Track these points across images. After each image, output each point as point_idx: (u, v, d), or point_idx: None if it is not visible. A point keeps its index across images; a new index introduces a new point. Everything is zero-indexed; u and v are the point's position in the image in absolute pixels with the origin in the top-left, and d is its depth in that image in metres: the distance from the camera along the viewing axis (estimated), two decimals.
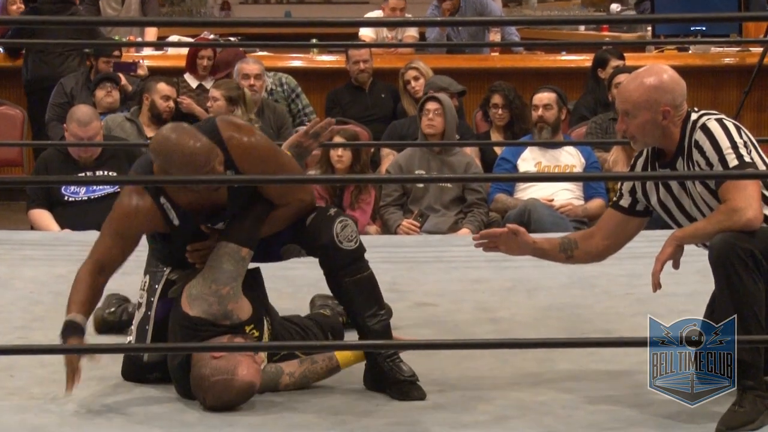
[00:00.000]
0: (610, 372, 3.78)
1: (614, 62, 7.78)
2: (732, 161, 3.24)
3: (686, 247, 3.32)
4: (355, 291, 3.54)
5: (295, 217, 3.59)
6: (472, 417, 3.39)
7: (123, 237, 3.49)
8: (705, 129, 3.31)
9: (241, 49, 8.36)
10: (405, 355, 3.62)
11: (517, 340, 4.02)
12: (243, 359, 3.41)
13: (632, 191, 3.54)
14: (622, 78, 7.29)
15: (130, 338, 3.73)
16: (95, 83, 7.56)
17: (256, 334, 3.55)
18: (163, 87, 7.08)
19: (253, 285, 3.64)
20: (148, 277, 3.75)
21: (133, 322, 3.74)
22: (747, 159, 3.24)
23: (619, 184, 3.63)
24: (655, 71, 3.38)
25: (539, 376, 3.79)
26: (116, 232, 3.50)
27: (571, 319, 4.45)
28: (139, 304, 3.72)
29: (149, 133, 6.88)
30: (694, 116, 3.37)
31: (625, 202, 3.56)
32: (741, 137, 3.29)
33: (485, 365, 3.87)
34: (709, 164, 3.28)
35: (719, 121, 3.33)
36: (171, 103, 7.10)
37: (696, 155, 3.31)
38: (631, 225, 3.57)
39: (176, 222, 3.50)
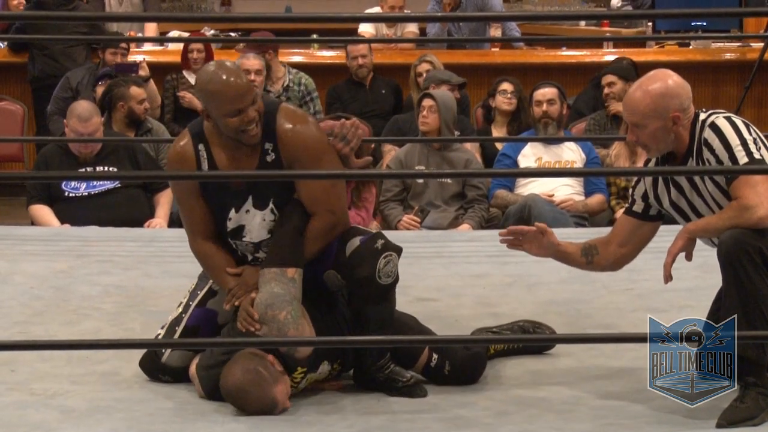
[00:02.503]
0: (610, 367, 3.78)
1: (610, 78, 7.62)
2: (742, 158, 3.22)
3: None
4: (372, 317, 3.52)
5: (329, 234, 3.53)
6: (472, 413, 3.39)
7: (188, 190, 3.54)
8: (714, 127, 3.29)
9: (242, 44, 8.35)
10: None
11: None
12: (284, 385, 3.38)
13: (644, 196, 3.52)
14: (605, 80, 7.35)
15: (160, 332, 3.70)
16: (96, 80, 7.54)
17: (297, 378, 3.47)
18: (137, 92, 6.98)
19: (331, 326, 3.58)
20: (197, 280, 3.74)
21: (168, 318, 3.71)
22: (757, 156, 3.23)
23: (630, 189, 3.61)
24: (658, 78, 3.34)
25: (539, 371, 3.79)
26: (180, 188, 3.57)
27: (571, 315, 4.45)
28: (180, 304, 3.71)
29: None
30: (702, 116, 3.35)
31: (638, 207, 3.54)
32: (750, 134, 3.28)
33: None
34: (719, 162, 3.26)
35: (728, 118, 3.31)
36: (146, 104, 7.04)
37: (706, 153, 3.29)
38: (645, 230, 3.55)
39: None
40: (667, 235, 3.46)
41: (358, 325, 3.56)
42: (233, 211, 3.55)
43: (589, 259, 3.61)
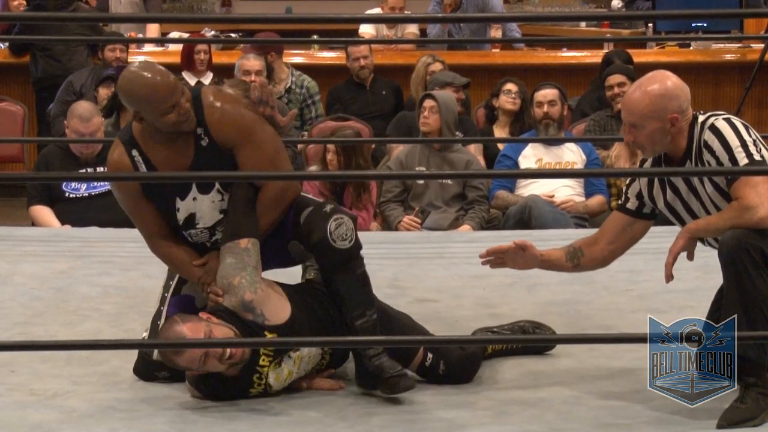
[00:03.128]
0: (610, 368, 3.78)
1: (619, 78, 7.61)
2: (742, 160, 3.21)
3: None
4: (345, 290, 3.51)
5: (281, 200, 3.54)
6: (472, 413, 3.39)
7: (132, 195, 3.54)
8: (714, 129, 3.28)
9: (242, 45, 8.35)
10: None
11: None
12: (199, 324, 3.34)
13: (639, 195, 3.51)
14: (614, 80, 7.33)
15: (145, 334, 3.70)
16: (99, 81, 7.54)
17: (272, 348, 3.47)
18: None
19: (314, 309, 3.57)
20: (167, 273, 3.74)
21: (151, 317, 3.71)
22: (757, 157, 3.22)
23: (624, 187, 3.60)
24: (657, 79, 3.33)
25: (540, 372, 3.79)
26: (125, 195, 3.56)
27: (571, 315, 4.45)
28: (157, 300, 3.72)
29: None
30: (701, 118, 3.34)
31: (632, 205, 3.52)
32: (750, 135, 3.27)
33: (486, 361, 3.86)
34: (720, 164, 3.25)
35: (727, 120, 3.31)
36: None
37: (706, 155, 3.28)
38: (636, 227, 3.54)
39: None
40: (667, 235, 3.46)
41: (336, 300, 3.54)
42: (178, 199, 3.54)
43: (575, 262, 3.60)
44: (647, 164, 3.52)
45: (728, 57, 9.14)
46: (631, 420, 3.29)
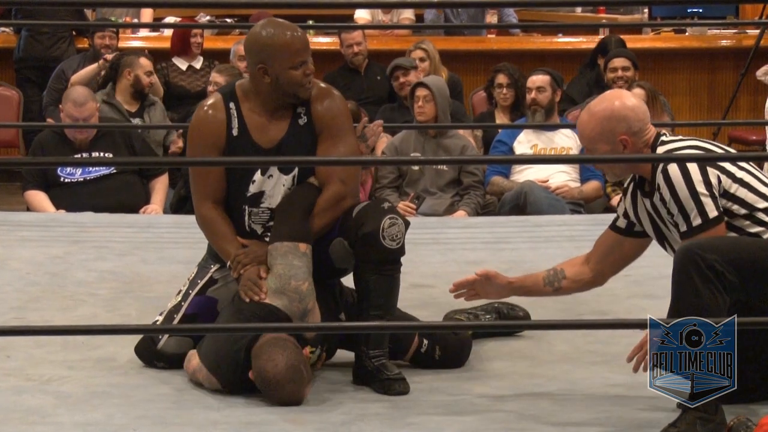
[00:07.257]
0: (606, 353, 3.78)
1: (624, 62, 7.55)
2: (695, 219, 3.08)
3: None
4: (373, 288, 3.47)
5: (337, 206, 3.51)
6: (468, 399, 3.39)
7: (210, 150, 3.53)
8: (666, 177, 3.11)
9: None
10: None
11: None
12: (311, 384, 3.34)
13: (626, 214, 3.38)
14: (618, 63, 7.29)
15: (158, 318, 3.68)
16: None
17: (313, 358, 3.45)
18: (145, 62, 6.99)
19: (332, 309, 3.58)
20: (196, 269, 3.72)
21: (167, 305, 3.68)
22: (713, 214, 3.07)
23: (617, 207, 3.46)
24: (607, 99, 3.22)
25: (535, 357, 3.80)
26: (203, 147, 3.54)
27: (567, 301, 4.43)
28: (179, 291, 3.69)
29: (131, 109, 6.85)
30: (663, 147, 3.19)
31: (621, 223, 3.39)
32: (705, 182, 3.08)
33: (481, 347, 3.87)
34: (675, 224, 3.14)
35: (682, 165, 3.10)
36: (153, 78, 7.04)
37: (662, 205, 3.16)
38: (627, 246, 3.40)
39: (235, 132, 3.52)
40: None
41: (360, 294, 3.51)
42: (259, 173, 3.55)
43: (555, 286, 3.49)
44: (629, 187, 3.37)
45: (724, 43, 9.14)
46: (627, 405, 3.29)
